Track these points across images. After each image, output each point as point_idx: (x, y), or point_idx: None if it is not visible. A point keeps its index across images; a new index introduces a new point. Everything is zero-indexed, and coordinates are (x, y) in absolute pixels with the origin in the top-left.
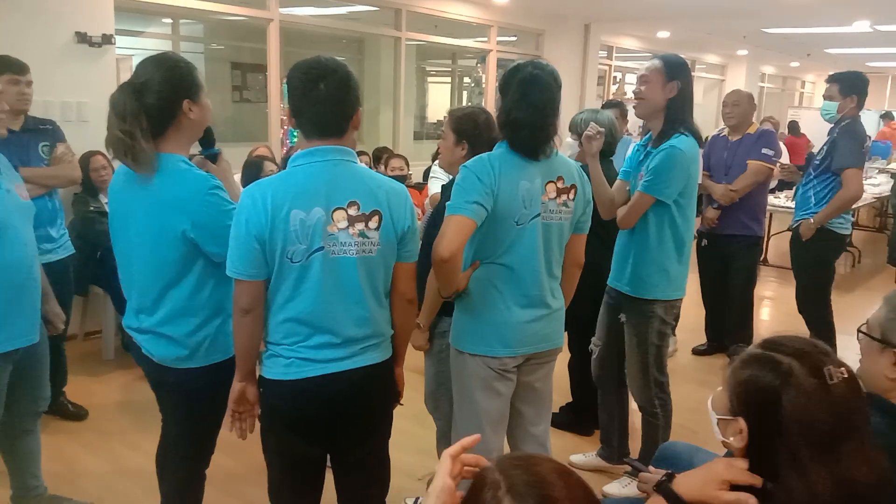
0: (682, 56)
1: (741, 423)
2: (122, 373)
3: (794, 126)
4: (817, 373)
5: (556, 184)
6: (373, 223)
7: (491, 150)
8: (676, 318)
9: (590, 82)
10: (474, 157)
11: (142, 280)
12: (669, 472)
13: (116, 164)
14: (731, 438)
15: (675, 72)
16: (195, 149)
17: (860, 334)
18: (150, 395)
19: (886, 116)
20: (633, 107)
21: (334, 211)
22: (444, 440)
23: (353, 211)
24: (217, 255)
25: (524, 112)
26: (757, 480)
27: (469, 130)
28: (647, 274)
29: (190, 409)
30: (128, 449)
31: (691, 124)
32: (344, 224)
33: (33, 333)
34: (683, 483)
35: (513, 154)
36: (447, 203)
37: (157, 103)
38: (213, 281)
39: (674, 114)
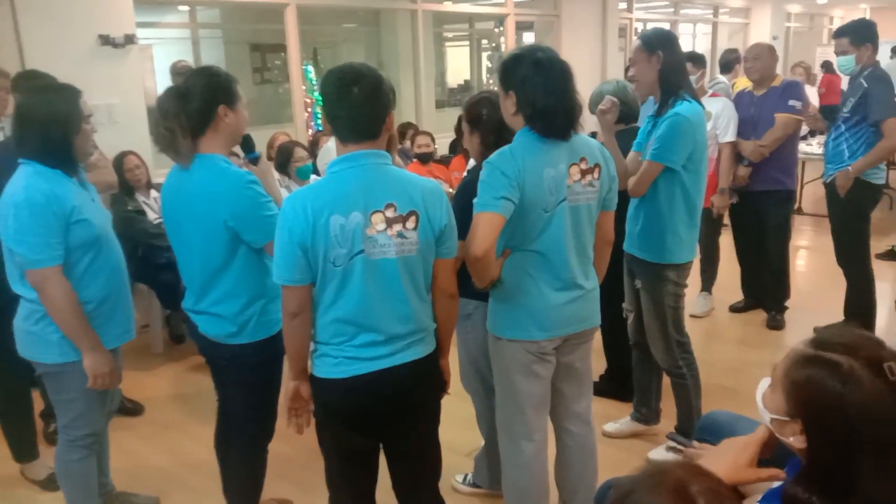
0: (704, 1)
1: (800, 425)
2: (172, 365)
3: (828, 65)
4: (878, 371)
5: (579, 165)
6: (410, 223)
7: (498, 132)
8: (714, 277)
9: (611, 36)
10: (496, 152)
11: (195, 266)
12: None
13: (150, 163)
14: (791, 439)
15: (654, 44)
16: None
17: None
18: (201, 385)
19: None
20: (633, 90)
21: (372, 214)
22: (482, 419)
23: (390, 213)
24: (255, 241)
25: (552, 99)
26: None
27: (476, 118)
28: (660, 238)
29: (244, 382)
30: (186, 440)
31: (688, 89)
32: (382, 226)
33: (133, 330)
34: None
35: (534, 141)
36: (474, 201)
37: (197, 106)
38: (256, 266)
39: (667, 83)
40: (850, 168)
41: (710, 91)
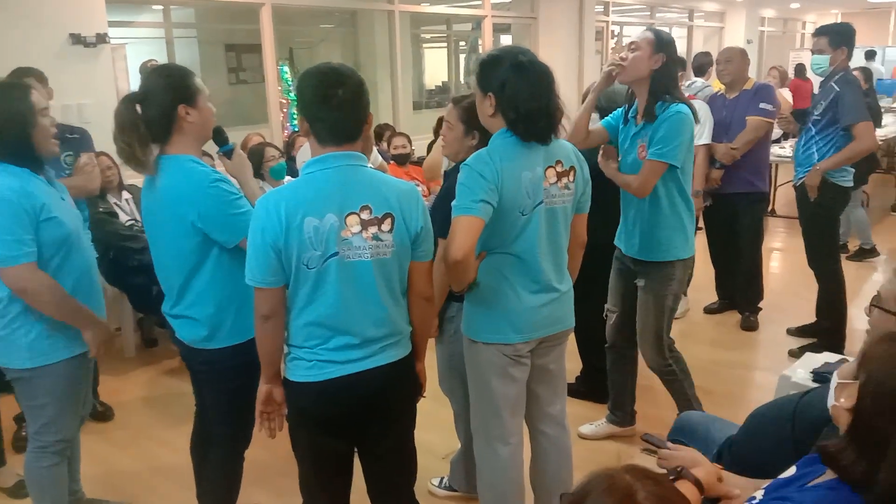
0: (680, 5)
1: (856, 386)
2: (145, 369)
3: (800, 69)
4: None
5: (555, 168)
6: (385, 226)
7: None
8: (690, 278)
9: (588, 39)
10: (474, 154)
11: (170, 269)
12: (680, 468)
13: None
14: (843, 400)
15: (664, 45)
16: (213, 148)
17: (873, 308)
18: (174, 389)
19: None
20: (616, 73)
21: (347, 216)
22: (460, 422)
23: (365, 215)
24: (226, 241)
25: (535, 103)
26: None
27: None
28: (666, 236)
29: (221, 388)
30: (158, 445)
31: (679, 96)
32: (357, 228)
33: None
34: (697, 472)
35: (513, 144)
36: (453, 203)
37: (156, 111)
38: (230, 267)
39: (657, 85)
40: (817, 166)
41: (688, 94)
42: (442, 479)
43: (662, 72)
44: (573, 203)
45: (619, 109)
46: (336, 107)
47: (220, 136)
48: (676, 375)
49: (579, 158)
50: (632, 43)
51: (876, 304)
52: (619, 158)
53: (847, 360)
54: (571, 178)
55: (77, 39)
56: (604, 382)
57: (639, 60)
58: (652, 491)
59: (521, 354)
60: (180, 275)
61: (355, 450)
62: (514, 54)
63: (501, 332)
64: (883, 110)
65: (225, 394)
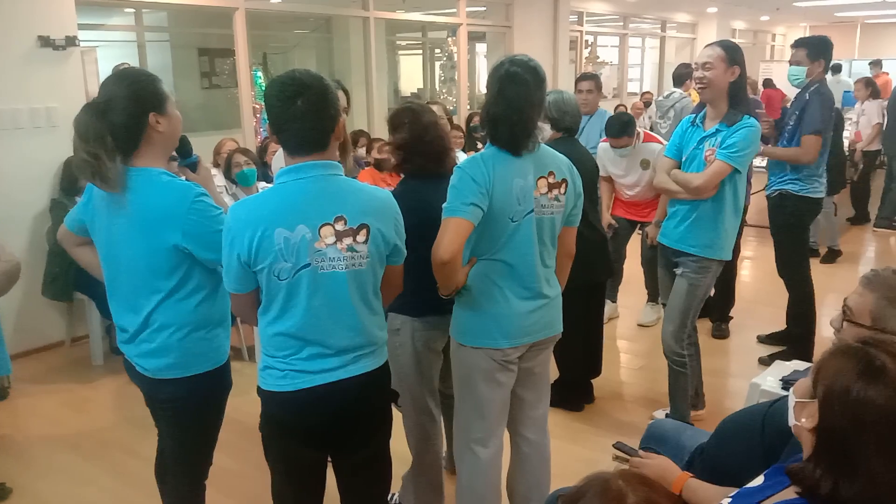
0: (652, 16)
1: (815, 405)
2: (114, 377)
3: (769, 81)
4: None
5: (547, 179)
6: (361, 237)
7: (418, 144)
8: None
9: (562, 48)
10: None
11: (134, 296)
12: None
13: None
14: (804, 420)
15: (736, 56)
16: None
17: (846, 323)
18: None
19: (875, 65)
20: (700, 92)
21: (322, 227)
22: (412, 437)
23: (340, 226)
24: (212, 261)
25: (500, 108)
26: None
27: (395, 127)
28: (718, 237)
29: (184, 421)
30: (129, 456)
31: (748, 106)
32: (332, 240)
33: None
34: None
35: (502, 151)
36: (443, 205)
37: (123, 121)
38: (203, 293)
39: (737, 95)
40: (763, 147)
41: (666, 105)
42: (393, 494)
43: (739, 82)
44: (563, 215)
45: (686, 119)
46: (296, 117)
47: (184, 147)
48: (685, 369)
49: (572, 172)
50: (705, 63)
51: (848, 318)
52: (683, 159)
53: None
54: (563, 190)
55: (46, 42)
56: (577, 391)
57: (718, 78)
58: (643, 496)
59: (510, 360)
60: (149, 301)
61: (328, 459)
62: (508, 61)
63: (491, 337)
64: (847, 122)
65: (184, 428)
